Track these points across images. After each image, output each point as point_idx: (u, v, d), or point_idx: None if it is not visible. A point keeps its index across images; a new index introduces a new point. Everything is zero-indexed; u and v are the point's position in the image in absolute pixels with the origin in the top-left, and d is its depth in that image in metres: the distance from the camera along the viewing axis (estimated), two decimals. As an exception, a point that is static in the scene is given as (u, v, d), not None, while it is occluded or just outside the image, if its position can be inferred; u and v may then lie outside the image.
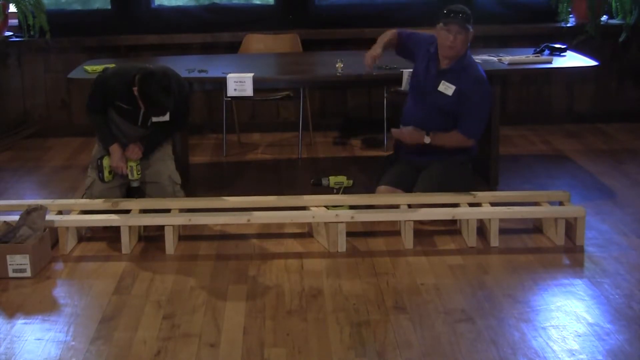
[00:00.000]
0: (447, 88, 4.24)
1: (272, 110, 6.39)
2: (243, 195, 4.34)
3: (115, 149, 4.11)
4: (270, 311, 3.32)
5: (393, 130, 4.35)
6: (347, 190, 4.28)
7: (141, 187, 4.20)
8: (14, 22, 6.28)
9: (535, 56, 4.89)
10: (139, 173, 4.14)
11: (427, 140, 4.24)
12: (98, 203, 4.16)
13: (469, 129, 4.26)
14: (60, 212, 4.09)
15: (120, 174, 4.14)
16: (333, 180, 4.25)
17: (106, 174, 4.14)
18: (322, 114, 6.33)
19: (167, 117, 4.07)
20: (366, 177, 4.76)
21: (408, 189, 4.27)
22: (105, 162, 4.13)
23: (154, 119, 4.09)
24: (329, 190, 4.26)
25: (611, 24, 6.21)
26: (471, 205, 4.10)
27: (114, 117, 4.14)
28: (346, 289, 3.52)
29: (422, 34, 4.46)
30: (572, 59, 4.92)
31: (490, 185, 4.76)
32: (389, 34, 4.48)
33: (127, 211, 4.06)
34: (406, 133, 4.27)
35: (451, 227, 4.18)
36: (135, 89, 3.88)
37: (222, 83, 4.51)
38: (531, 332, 3.11)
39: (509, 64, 4.72)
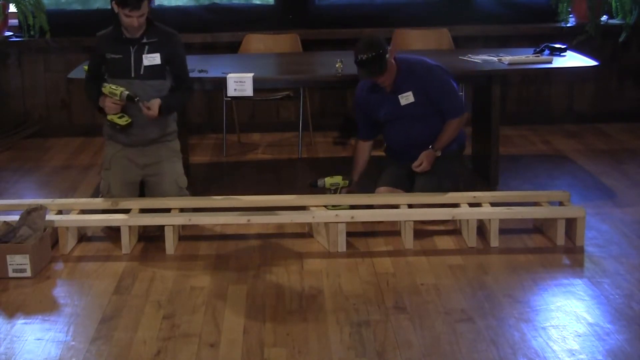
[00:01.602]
0: (407, 98, 4.25)
1: (272, 110, 6.39)
2: (243, 195, 4.34)
3: (102, 100, 4.09)
4: (270, 311, 3.32)
5: (415, 167, 4.26)
6: (344, 190, 4.28)
7: (133, 94, 4.04)
8: (14, 22, 6.28)
9: (535, 56, 4.89)
10: (117, 88, 4.02)
11: (438, 153, 4.25)
12: (98, 203, 4.16)
13: (453, 109, 4.27)
14: (60, 212, 4.09)
15: (115, 106, 4.05)
16: (329, 181, 4.25)
17: (118, 122, 4.09)
18: (322, 114, 6.33)
19: (157, 60, 4.08)
20: (366, 177, 4.75)
21: (407, 188, 4.27)
22: (110, 117, 4.11)
23: (146, 63, 4.07)
24: (326, 192, 4.26)
25: (611, 24, 6.21)
26: (471, 205, 4.10)
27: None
28: (346, 289, 3.52)
29: (355, 98, 4.45)
30: (572, 59, 4.92)
31: (490, 185, 4.77)
32: (355, 160, 4.51)
33: (127, 211, 4.06)
34: (425, 163, 4.24)
35: (451, 227, 4.18)
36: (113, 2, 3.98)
37: (222, 83, 4.52)
38: (531, 332, 3.11)
39: (509, 64, 4.72)
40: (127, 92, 4.03)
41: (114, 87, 4.05)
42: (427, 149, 4.26)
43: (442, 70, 4.32)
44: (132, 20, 3.98)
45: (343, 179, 4.27)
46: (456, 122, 4.29)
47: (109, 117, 4.12)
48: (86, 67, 4.73)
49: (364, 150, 4.49)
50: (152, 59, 4.09)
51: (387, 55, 4.13)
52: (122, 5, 3.96)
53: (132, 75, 4.09)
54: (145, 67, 4.09)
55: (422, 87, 4.24)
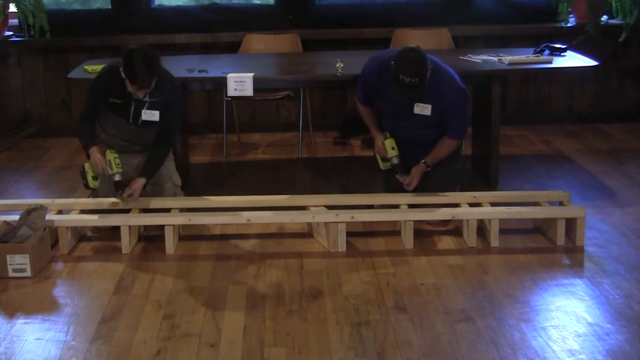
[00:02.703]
0: (423, 109, 4.12)
1: (272, 110, 6.39)
2: (243, 195, 4.34)
3: (93, 151, 4.04)
4: (270, 311, 3.32)
5: (406, 186, 4.19)
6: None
7: (124, 181, 4.05)
8: (14, 22, 6.28)
9: (535, 56, 4.89)
10: (118, 166, 4.01)
11: (429, 169, 4.19)
12: (98, 203, 4.16)
13: (457, 132, 4.20)
14: (60, 212, 4.09)
15: (101, 171, 4.02)
16: (392, 154, 4.17)
17: (90, 179, 4.05)
18: (322, 114, 6.33)
19: (156, 117, 4.05)
20: (366, 178, 4.76)
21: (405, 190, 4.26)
22: (87, 167, 4.05)
23: (144, 118, 4.05)
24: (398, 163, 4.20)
25: (611, 24, 6.21)
26: (471, 205, 4.10)
27: (111, 117, 4.11)
28: (346, 289, 3.52)
29: (365, 70, 4.25)
30: (572, 59, 4.92)
31: (490, 185, 4.77)
32: (367, 117, 4.34)
33: (127, 211, 4.06)
34: (415, 181, 4.18)
35: (451, 227, 4.18)
36: (121, 68, 3.87)
37: (222, 83, 4.51)
38: (531, 332, 3.11)
39: (509, 64, 4.71)
40: (117, 179, 4.00)
41: (114, 163, 3.99)
42: (420, 147, 4.21)
43: (465, 95, 4.18)
44: (138, 93, 3.93)
45: (385, 138, 4.20)
46: (453, 142, 4.21)
47: (87, 167, 4.05)
48: (86, 67, 4.74)
49: (368, 109, 4.34)
50: (150, 115, 4.06)
51: (428, 75, 3.97)
52: (131, 81, 3.87)
53: (130, 121, 4.09)
54: (143, 120, 4.08)
55: (441, 105, 4.11)
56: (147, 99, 4.01)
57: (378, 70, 4.17)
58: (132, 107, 4.04)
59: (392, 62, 3.96)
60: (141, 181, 4.04)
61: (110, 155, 4.02)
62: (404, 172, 4.18)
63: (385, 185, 4.33)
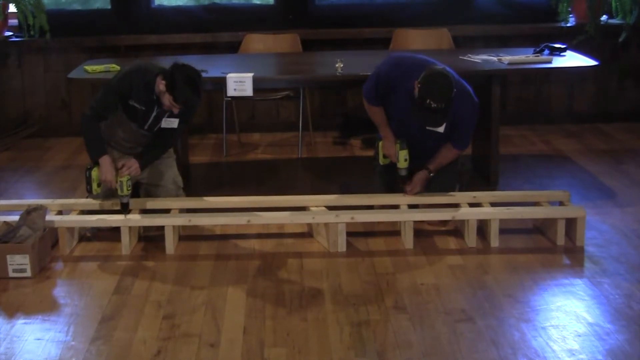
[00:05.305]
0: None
1: (272, 110, 6.39)
2: (243, 195, 4.34)
3: (105, 161, 3.95)
4: (270, 311, 3.32)
5: (408, 193, 4.15)
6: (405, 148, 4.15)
7: (129, 204, 3.99)
8: (14, 22, 6.28)
9: (535, 56, 4.89)
10: (129, 189, 3.94)
11: (431, 175, 4.16)
12: (98, 203, 4.16)
13: (461, 141, 4.16)
14: (60, 212, 4.10)
15: (108, 185, 3.97)
16: (403, 166, 4.13)
17: (94, 186, 3.98)
18: (322, 114, 6.33)
19: (175, 124, 4.05)
20: (366, 178, 4.76)
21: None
22: (94, 173, 3.96)
23: (164, 125, 4.04)
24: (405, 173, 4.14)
25: (611, 24, 6.21)
26: (471, 205, 4.10)
27: (121, 119, 4.06)
28: (346, 289, 3.52)
29: (381, 73, 4.14)
30: (572, 59, 4.92)
31: (490, 185, 4.77)
32: (377, 116, 4.24)
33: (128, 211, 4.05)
34: (417, 187, 4.14)
35: (451, 227, 4.18)
36: (160, 79, 3.82)
37: (222, 83, 4.51)
38: (531, 332, 3.11)
39: (509, 64, 4.71)
40: (125, 202, 3.94)
41: (125, 185, 3.91)
42: (425, 152, 4.19)
43: (477, 109, 4.11)
44: (174, 108, 3.88)
45: (401, 148, 4.12)
46: (456, 152, 4.18)
47: (94, 174, 3.96)
48: (86, 67, 4.73)
49: (378, 109, 4.23)
50: (170, 122, 4.05)
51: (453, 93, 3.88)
52: (174, 98, 3.81)
53: (145, 127, 4.05)
54: (161, 127, 4.07)
55: (454, 118, 4.02)
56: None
57: (396, 76, 4.09)
58: (153, 115, 4.01)
59: (418, 84, 3.84)
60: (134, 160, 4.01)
61: (123, 177, 3.93)
62: (407, 180, 4.17)
63: (384, 186, 4.32)
